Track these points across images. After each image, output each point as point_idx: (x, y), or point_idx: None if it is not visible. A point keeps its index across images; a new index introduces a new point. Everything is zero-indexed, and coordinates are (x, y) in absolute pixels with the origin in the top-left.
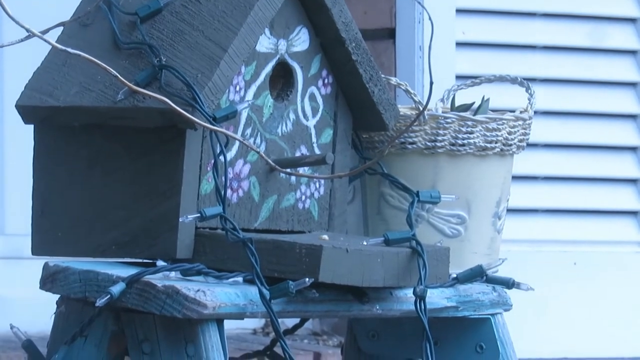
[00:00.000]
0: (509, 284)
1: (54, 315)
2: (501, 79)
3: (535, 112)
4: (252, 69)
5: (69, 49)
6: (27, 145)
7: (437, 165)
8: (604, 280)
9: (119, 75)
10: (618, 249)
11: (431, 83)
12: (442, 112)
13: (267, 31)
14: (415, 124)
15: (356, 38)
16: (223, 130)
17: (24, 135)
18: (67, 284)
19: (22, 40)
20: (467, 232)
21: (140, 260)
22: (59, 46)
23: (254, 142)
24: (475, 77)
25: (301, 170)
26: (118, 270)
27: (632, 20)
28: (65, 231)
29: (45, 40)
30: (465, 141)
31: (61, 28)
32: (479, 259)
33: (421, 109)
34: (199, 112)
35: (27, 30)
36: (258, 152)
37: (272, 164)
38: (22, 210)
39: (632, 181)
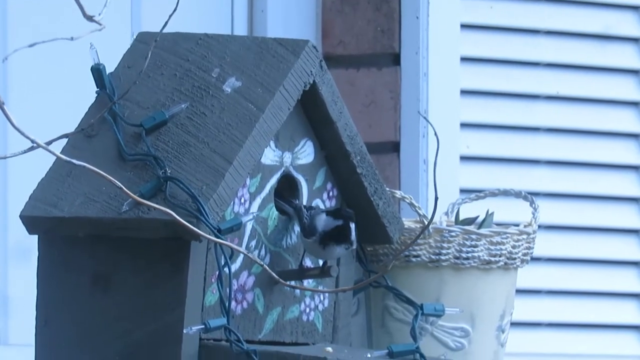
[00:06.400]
0: None
1: None
2: (505, 193)
3: (539, 226)
4: (257, 181)
5: (74, 160)
6: (31, 255)
7: (442, 279)
8: None
9: (123, 187)
10: None
11: (436, 198)
12: (447, 226)
13: (272, 144)
14: (419, 237)
15: (361, 151)
16: (227, 243)
17: (28, 245)
18: None
19: (26, 151)
20: (470, 346)
21: None
22: (64, 157)
23: (259, 254)
24: (480, 191)
25: (305, 282)
26: None
27: (632, 103)
28: (69, 342)
29: (50, 152)
30: (470, 255)
31: (66, 138)
32: None
33: (425, 222)
34: (204, 224)
35: (32, 141)
36: (262, 265)
37: (276, 277)
38: (26, 320)
39: (636, 296)
